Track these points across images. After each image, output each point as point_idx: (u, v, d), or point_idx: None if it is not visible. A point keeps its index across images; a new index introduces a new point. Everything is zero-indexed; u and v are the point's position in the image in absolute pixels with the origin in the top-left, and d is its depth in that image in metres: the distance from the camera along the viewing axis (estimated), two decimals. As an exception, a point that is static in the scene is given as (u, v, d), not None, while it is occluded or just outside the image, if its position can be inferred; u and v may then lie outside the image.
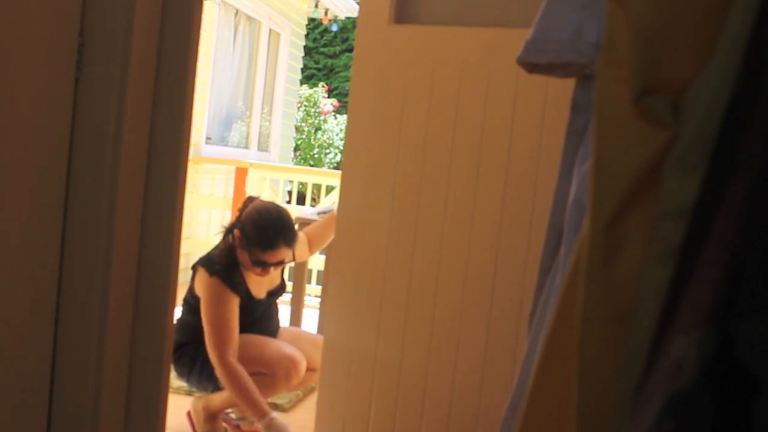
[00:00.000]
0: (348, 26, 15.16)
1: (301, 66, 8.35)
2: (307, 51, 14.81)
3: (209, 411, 2.71)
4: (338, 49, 16.19)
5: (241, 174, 5.53)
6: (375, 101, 2.28)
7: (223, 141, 6.61)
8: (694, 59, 0.73)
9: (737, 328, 0.62)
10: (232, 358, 2.53)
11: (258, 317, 2.77)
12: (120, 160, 1.37)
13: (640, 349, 0.72)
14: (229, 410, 2.81)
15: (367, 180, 2.29)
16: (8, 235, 1.27)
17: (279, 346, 2.67)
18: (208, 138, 6.21)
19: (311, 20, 10.47)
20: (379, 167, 2.28)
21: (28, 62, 1.26)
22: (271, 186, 5.97)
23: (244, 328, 2.67)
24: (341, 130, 11.80)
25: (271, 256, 2.61)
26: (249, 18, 6.73)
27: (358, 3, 4.06)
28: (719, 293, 0.64)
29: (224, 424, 2.80)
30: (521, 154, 2.16)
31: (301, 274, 3.76)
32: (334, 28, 12.85)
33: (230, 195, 5.83)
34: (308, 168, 9.72)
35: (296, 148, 11.35)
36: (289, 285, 4.11)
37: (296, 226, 2.78)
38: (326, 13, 8.56)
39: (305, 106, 11.66)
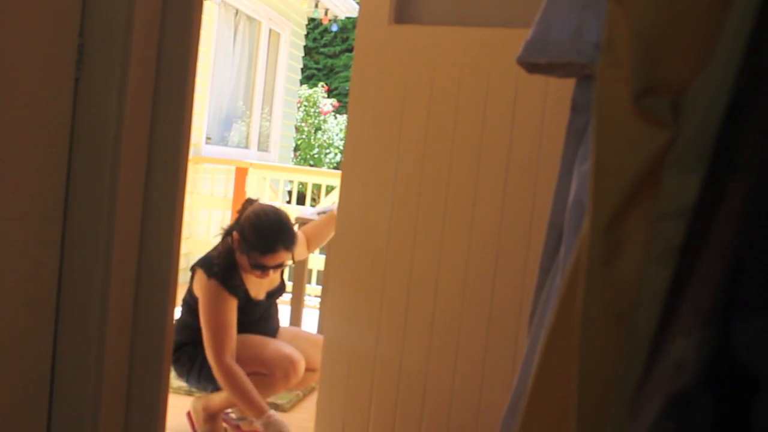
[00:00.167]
0: (348, 26, 15.17)
1: (301, 66, 8.35)
2: (307, 51, 14.81)
3: (209, 411, 2.71)
4: (338, 49, 16.20)
5: (241, 174, 5.53)
6: (375, 101, 2.28)
7: (223, 141, 6.61)
8: (694, 59, 0.73)
9: (737, 328, 0.62)
10: (229, 360, 2.53)
11: (257, 318, 2.77)
12: (120, 160, 1.37)
13: (640, 349, 0.72)
14: (229, 410, 2.81)
15: (367, 180, 2.29)
16: (8, 235, 1.27)
17: (278, 346, 2.67)
18: (208, 138, 6.21)
19: (311, 20, 10.47)
20: (379, 167, 2.28)
21: (28, 62, 1.26)
22: (271, 186, 5.97)
23: (244, 328, 2.67)
24: (341, 130, 11.80)
25: (270, 260, 2.61)
26: (249, 18, 6.73)
27: (358, 3, 4.06)
28: (719, 293, 0.64)
29: (224, 424, 2.80)
30: (521, 154, 2.16)
31: (301, 274, 3.76)
32: (334, 28, 12.86)
33: (230, 195, 5.83)
34: (308, 168, 9.73)
35: (296, 148, 11.35)
36: (289, 285, 4.11)
37: (295, 227, 2.78)
38: (326, 13, 8.56)
39: (305, 106, 11.66)
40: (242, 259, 2.63)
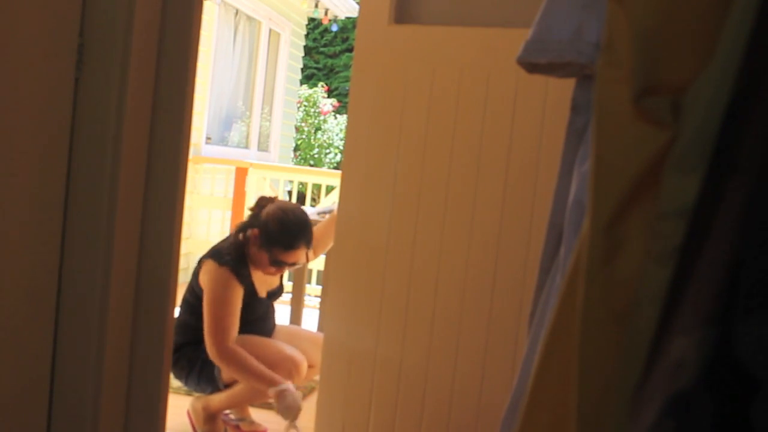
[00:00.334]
0: (348, 26, 15.17)
1: (301, 66, 8.35)
2: (307, 51, 14.81)
3: (209, 411, 2.71)
4: (338, 49, 16.20)
5: (241, 174, 5.53)
6: (375, 101, 2.28)
7: (223, 141, 6.61)
8: (694, 59, 0.73)
9: (737, 328, 0.62)
10: (231, 344, 2.53)
11: (257, 317, 2.77)
12: (120, 160, 1.37)
13: (640, 349, 0.72)
14: (228, 411, 2.81)
15: (367, 180, 2.29)
16: (8, 234, 1.27)
17: (280, 347, 2.68)
18: (208, 138, 6.21)
19: (311, 20, 10.47)
20: (379, 167, 2.28)
21: (28, 62, 1.26)
22: (271, 186, 5.97)
23: (243, 326, 2.67)
24: (341, 130, 11.80)
25: (291, 256, 2.65)
26: (249, 18, 6.73)
27: (358, 3, 4.06)
28: (719, 293, 0.64)
29: (224, 425, 2.80)
30: (521, 154, 2.16)
31: (301, 274, 3.76)
32: (334, 28, 12.86)
33: (230, 195, 5.83)
34: (308, 168, 9.73)
35: (296, 148, 11.35)
36: (289, 285, 4.11)
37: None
38: (326, 13, 8.56)
39: (305, 106, 11.66)
40: (260, 255, 2.64)
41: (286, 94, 7.74)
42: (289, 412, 2.48)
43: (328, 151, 11.84)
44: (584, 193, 1.13)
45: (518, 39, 1.26)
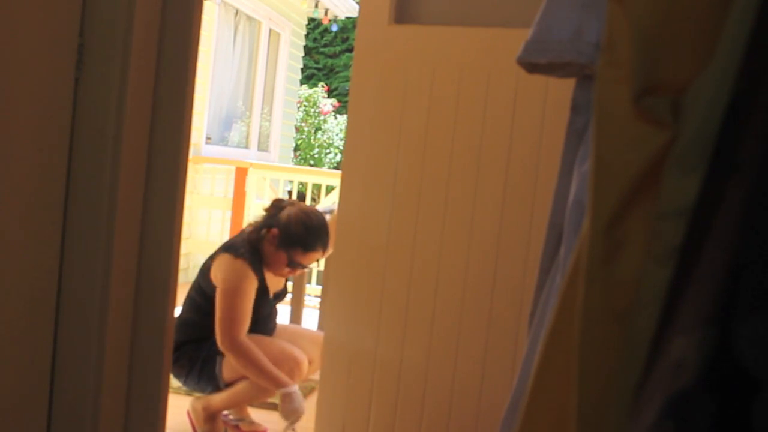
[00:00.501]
0: (348, 26, 15.16)
1: (301, 66, 8.35)
2: (307, 51, 14.81)
3: (208, 411, 2.71)
4: (338, 49, 16.19)
5: (241, 174, 5.53)
6: (375, 101, 2.28)
7: (223, 141, 6.61)
8: (694, 59, 0.73)
9: (737, 328, 0.62)
10: (244, 337, 2.54)
11: (263, 316, 2.78)
12: (120, 160, 1.37)
13: (640, 349, 0.72)
14: (227, 411, 2.81)
15: (367, 180, 2.29)
16: (8, 234, 1.27)
17: (282, 346, 2.68)
18: (208, 138, 6.21)
19: (311, 20, 10.47)
20: (379, 167, 2.28)
21: (28, 62, 1.26)
22: (271, 186, 5.97)
23: (257, 315, 2.68)
24: (341, 130, 11.80)
25: (308, 258, 2.69)
26: (249, 18, 6.73)
27: (358, 3, 4.06)
28: (719, 293, 0.64)
29: (224, 425, 2.80)
30: (521, 154, 2.16)
31: (301, 274, 3.76)
32: (334, 28, 12.86)
33: (230, 195, 5.83)
34: (308, 168, 9.73)
35: (296, 148, 11.35)
36: (289, 285, 4.11)
37: None
38: (326, 13, 8.56)
39: (305, 106, 11.66)
40: (278, 255, 2.66)
41: (286, 94, 7.74)
42: (292, 414, 2.49)
43: (328, 151, 11.84)
44: (584, 193, 1.13)
45: (518, 39, 1.26)
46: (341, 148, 11.25)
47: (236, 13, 6.48)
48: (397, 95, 2.25)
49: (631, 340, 0.74)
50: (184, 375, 2.69)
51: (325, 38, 16.26)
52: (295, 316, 3.85)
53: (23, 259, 1.31)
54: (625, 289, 0.75)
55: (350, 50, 15.21)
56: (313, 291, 5.36)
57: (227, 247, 2.68)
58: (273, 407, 3.00)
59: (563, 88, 1.41)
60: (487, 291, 2.20)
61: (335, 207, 2.99)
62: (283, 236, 2.65)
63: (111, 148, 1.36)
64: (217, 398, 2.68)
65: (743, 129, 0.68)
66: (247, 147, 7.02)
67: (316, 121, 11.91)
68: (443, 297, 2.23)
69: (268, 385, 2.54)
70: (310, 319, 4.31)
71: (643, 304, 0.73)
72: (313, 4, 8.14)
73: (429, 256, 2.24)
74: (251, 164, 5.70)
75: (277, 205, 2.77)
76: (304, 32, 8.35)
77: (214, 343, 2.65)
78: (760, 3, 0.68)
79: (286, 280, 2.93)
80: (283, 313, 3.05)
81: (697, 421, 0.62)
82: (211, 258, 2.69)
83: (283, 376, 2.53)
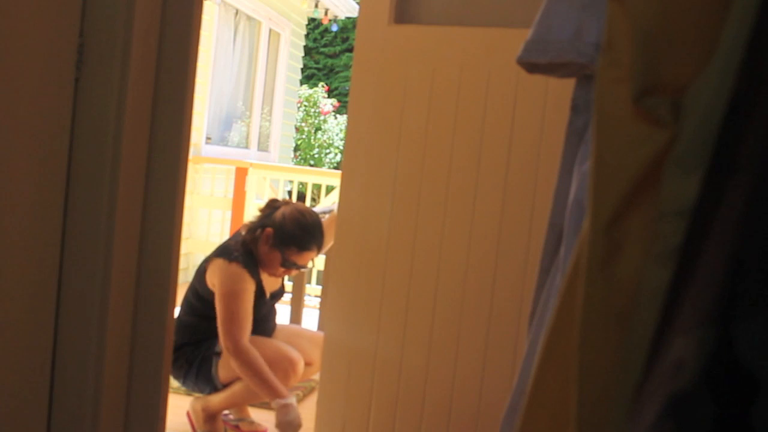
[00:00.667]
0: (348, 26, 15.17)
1: (301, 66, 8.35)
2: (307, 51, 14.81)
3: (208, 412, 2.71)
4: (338, 49, 16.20)
5: (241, 174, 5.53)
6: (375, 101, 2.28)
7: (223, 141, 6.61)
8: (694, 59, 0.73)
9: (737, 328, 0.62)
10: (247, 343, 2.54)
11: (260, 317, 2.78)
12: (120, 160, 1.37)
13: (640, 349, 0.72)
14: (227, 411, 2.81)
15: (367, 180, 2.29)
16: (8, 234, 1.27)
17: (277, 346, 2.68)
18: (208, 138, 6.21)
19: (311, 20, 10.47)
20: (379, 167, 2.28)
21: (28, 62, 1.26)
22: (271, 186, 5.97)
23: (254, 317, 2.68)
24: (341, 130, 11.80)
25: (303, 258, 2.68)
26: (249, 18, 6.73)
27: (358, 3, 4.06)
28: (719, 293, 0.64)
29: (224, 425, 2.80)
30: (521, 154, 2.16)
31: (301, 274, 3.76)
32: (334, 28, 12.86)
33: (230, 195, 5.83)
34: (308, 168, 9.72)
35: (296, 148, 11.35)
36: (289, 285, 4.12)
37: None
38: (326, 13, 8.56)
39: (305, 106, 11.66)
40: (272, 255, 2.65)
41: (286, 94, 7.74)
42: (290, 427, 2.48)
43: (328, 151, 11.84)
44: (584, 193, 1.13)
45: (518, 39, 1.26)
46: (341, 148, 11.26)
47: (236, 13, 6.48)
48: (397, 95, 2.25)
49: (631, 339, 0.73)
50: (182, 376, 2.69)
51: (325, 38, 16.26)
52: (295, 316, 3.85)
53: (23, 259, 1.31)
54: (625, 289, 0.75)
55: (350, 50, 15.22)
56: (313, 291, 5.36)
57: (221, 252, 2.67)
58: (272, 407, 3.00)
59: (563, 88, 1.41)
60: (487, 291, 2.20)
61: (335, 207, 2.99)
62: (278, 235, 2.64)
63: (111, 148, 1.36)
64: (216, 399, 2.68)
65: (743, 129, 0.68)
66: (247, 147, 7.02)
67: (316, 121, 11.91)
68: (443, 297, 2.23)
69: (265, 395, 2.54)
70: (310, 319, 4.31)
71: (643, 304, 0.73)
72: (313, 4, 8.14)
73: (429, 255, 2.24)
74: (251, 164, 5.71)
75: (271, 205, 2.77)
76: (304, 32, 8.35)
77: (211, 344, 2.65)
78: (760, 3, 0.68)
79: (283, 280, 2.93)
80: (283, 313, 3.05)
81: (697, 421, 0.62)
82: (206, 262, 2.69)
83: (281, 387, 2.52)
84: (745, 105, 0.69)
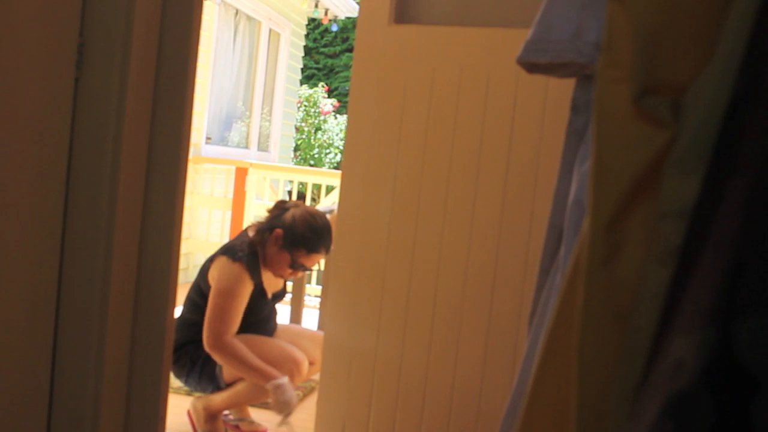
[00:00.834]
0: (348, 26, 15.17)
1: (301, 66, 8.35)
2: (307, 51, 14.81)
3: (209, 411, 2.71)
4: (338, 49, 16.20)
5: (241, 174, 5.53)
6: (375, 101, 2.28)
7: (223, 141, 6.61)
8: (694, 59, 0.73)
9: (737, 328, 0.62)
10: (229, 337, 2.54)
11: (261, 317, 2.78)
12: (120, 160, 1.37)
13: (640, 349, 0.72)
14: (227, 411, 2.81)
15: (367, 180, 2.29)
16: (8, 235, 1.27)
17: (282, 346, 2.69)
18: (208, 138, 6.21)
19: (311, 20, 10.47)
20: (379, 167, 2.28)
21: (28, 62, 1.26)
22: (271, 186, 5.97)
23: (247, 327, 2.67)
24: (341, 130, 11.80)
25: (312, 260, 2.69)
26: (249, 18, 6.73)
27: (358, 3, 4.06)
28: (719, 293, 0.64)
29: (224, 425, 2.80)
30: (521, 154, 2.16)
31: (301, 275, 3.76)
32: (334, 28, 12.86)
33: (230, 195, 5.83)
34: (308, 168, 9.73)
35: (296, 148, 11.35)
36: (289, 285, 4.11)
37: None
38: (326, 13, 8.56)
39: (305, 106, 11.66)
40: (280, 256, 2.66)
41: (286, 94, 7.74)
42: (285, 407, 2.49)
43: (328, 151, 11.84)
44: (584, 193, 1.13)
45: (518, 39, 1.26)
46: (341, 148, 11.26)
47: (236, 13, 6.48)
48: (397, 95, 2.25)
49: (631, 340, 0.74)
50: (184, 375, 2.69)
51: (325, 38, 16.26)
52: (295, 316, 3.85)
53: (23, 259, 1.31)
54: (625, 289, 0.75)
55: (350, 50, 15.22)
56: (313, 291, 5.36)
57: (226, 250, 2.68)
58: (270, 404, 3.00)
59: (563, 88, 1.41)
60: (487, 291, 2.20)
61: (335, 207, 2.99)
62: (288, 237, 2.65)
63: (111, 148, 1.36)
64: (218, 398, 2.68)
65: (743, 129, 0.68)
66: (247, 147, 7.02)
67: (316, 121, 11.91)
68: (443, 297, 2.23)
69: (257, 380, 2.54)
70: (310, 319, 4.31)
71: (643, 304, 0.73)
72: (313, 4, 8.14)
73: (429, 255, 2.24)
74: (251, 164, 5.71)
75: (280, 206, 2.77)
76: (304, 32, 8.35)
77: (215, 343, 2.65)
78: (760, 3, 0.68)
79: (285, 281, 2.93)
80: (283, 313, 3.05)
81: (697, 421, 0.62)
82: (210, 260, 2.70)
83: (270, 369, 2.53)
84: (745, 105, 0.69)
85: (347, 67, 15.55)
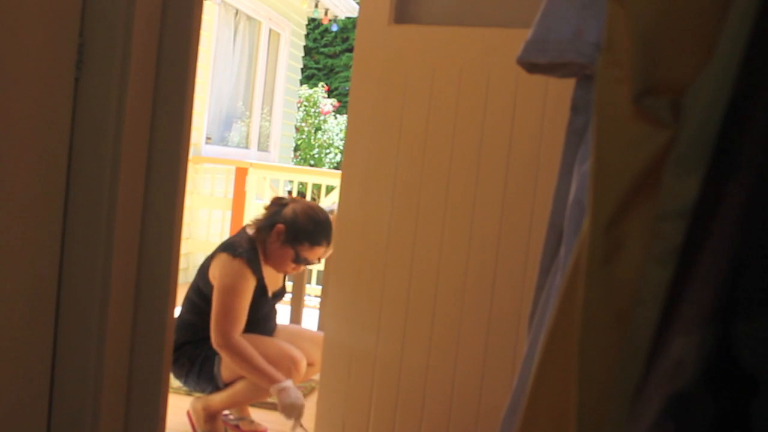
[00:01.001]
0: (348, 26, 15.17)
1: (301, 66, 8.35)
2: (307, 51, 14.81)
3: (209, 411, 2.71)
4: (338, 49, 16.20)
5: (241, 174, 5.53)
6: (375, 101, 2.28)
7: (223, 141, 6.61)
8: (694, 59, 0.73)
9: (737, 328, 0.62)
10: (238, 337, 2.54)
11: (261, 316, 2.78)
12: (120, 160, 1.37)
13: (640, 349, 0.73)
14: (227, 411, 2.81)
15: (367, 180, 2.29)
16: (8, 234, 1.27)
17: (279, 345, 2.68)
18: (208, 138, 6.21)
19: (311, 20, 10.47)
20: (379, 167, 2.28)
21: (28, 62, 1.26)
22: (271, 186, 5.97)
23: (247, 325, 2.67)
24: (341, 130, 11.80)
25: (315, 253, 2.71)
26: (249, 18, 6.73)
27: (358, 3, 4.06)
28: (719, 293, 0.64)
29: (224, 425, 2.80)
30: (521, 154, 2.16)
31: (301, 274, 3.76)
32: (334, 28, 12.86)
33: (230, 195, 5.83)
34: (308, 168, 9.72)
35: (296, 148, 11.35)
36: (289, 285, 4.11)
37: None
38: (326, 13, 8.56)
39: (305, 106, 11.66)
40: (283, 251, 2.67)
41: (286, 94, 7.74)
42: (292, 410, 2.48)
43: (328, 151, 11.84)
44: (584, 193, 1.13)
45: (518, 39, 1.26)
46: (341, 148, 11.26)
47: (236, 13, 6.48)
48: (397, 95, 2.25)
49: (631, 340, 0.74)
50: (183, 375, 2.69)
51: (325, 38, 16.26)
52: (295, 316, 3.85)
53: (23, 259, 1.31)
54: (625, 289, 0.75)
55: (350, 50, 15.22)
56: (313, 291, 5.36)
57: (225, 247, 2.68)
58: (273, 407, 3.00)
59: (563, 88, 1.41)
60: (487, 291, 2.20)
61: (335, 207, 2.99)
62: (290, 232, 2.65)
63: (111, 148, 1.36)
64: (217, 398, 2.68)
65: (743, 129, 0.68)
66: (247, 147, 7.02)
67: (316, 121, 11.91)
68: (443, 297, 2.23)
69: (261, 383, 2.54)
70: (310, 319, 4.31)
71: (643, 305, 0.73)
72: (313, 4, 8.14)
73: (429, 256, 2.24)
74: (251, 164, 5.71)
75: (277, 203, 2.77)
76: (304, 32, 8.35)
77: (213, 343, 2.65)
78: (760, 3, 0.68)
79: (284, 279, 2.93)
80: (283, 313, 3.05)
81: (697, 421, 0.62)
82: (210, 258, 2.69)
83: (275, 372, 2.52)
84: (745, 105, 0.69)
85: (347, 67, 15.55)
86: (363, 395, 2.31)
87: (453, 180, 2.22)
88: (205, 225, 6.02)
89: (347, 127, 2.33)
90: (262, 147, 7.35)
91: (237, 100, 6.82)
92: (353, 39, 3.33)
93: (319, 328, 3.72)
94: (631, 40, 0.76)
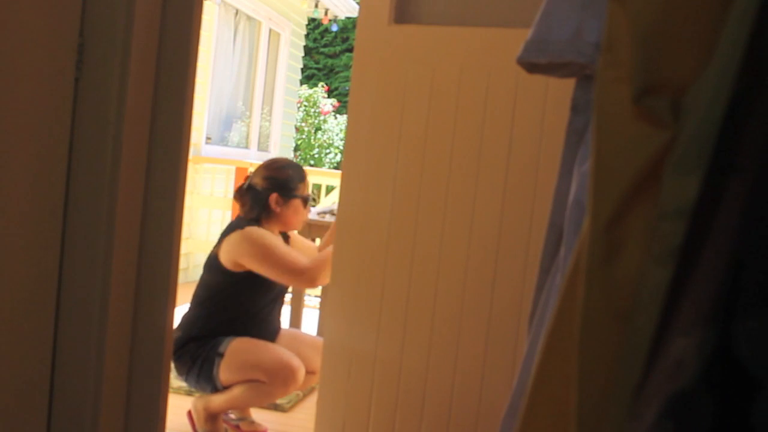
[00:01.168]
0: (348, 26, 15.17)
1: (301, 66, 8.35)
2: (307, 51, 14.81)
3: (210, 411, 2.71)
4: (338, 49, 16.20)
5: (241, 174, 5.53)
6: (375, 101, 2.28)
7: (223, 141, 6.61)
8: (694, 59, 0.73)
9: (737, 328, 0.62)
10: (307, 264, 2.64)
11: (263, 315, 2.77)
12: (120, 160, 1.37)
13: (640, 349, 0.73)
14: (228, 411, 2.81)
15: (367, 180, 2.29)
16: (8, 234, 1.27)
17: (278, 353, 2.65)
18: (208, 138, 6.21)
19: (311, 20, 10.47)
20: (379, 167, 2.28)
21: (28, 62, 1.26)
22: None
23: (247, 323, 2.68)
24: (341, 130, 11.80)
25: (307, 184, 2.85)
26: (249, 18, 6.73)
27: (358, 3, 4.06)
28: (719, 293, 0.64)
29: (224, 425, 2.80)
30: (521, 154, 2.16)
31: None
32: (334, 28, 12.86)
33: (230, 195, 5.83)
34: (308, 168, 9.72)
35: (296, 148, 11.35)
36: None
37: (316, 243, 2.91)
38: (326, 13, 8.56)
39: (305, 106, 11.66)
40: (292, 207, 2.77)
41: (286, 94, 7.74)
42: None
43: (328, 151, 11.84)
44: (584, 193, 1.13)
45: (518, 39, 1.26)
46: (341, 148, 11.26)
47: (236, 13, 6.48)
48: (397, 95, 2.25)
49: (631, 340, 0.74)
50: (185, 372, 2.69)
51: (325, 38, 16.26)
52: (295, 316, 3.85)
53: (23, 259, 1.31)
54: (625, 289, 0.75)
55: (350, 50, 15.22)
56: (313, 291, 5.36)
57: (229, 230, 2.71)
58: (273, 407, 3.00)
59: (563, 88, 1.41)
60: (487, 291, 2.20)
61: (335, 207, 2.99)
62: (281, 190, 2.74)
63: (111, 148, 1.36)
64: (218, 399, 2.68)
65: (743, 129, 0.68)
66: (247, 147, 7.02)
67: (316, 121, 11.90)
68: (443, 297, 2.23)
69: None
70: (310, 320, 4.31)
71: (643, 304, 0.73)
72: (313, 4, 8.14)
73: (429, 255, 2.24)
74: (251, 164, 5.70)
75: (242, 189, 2.81)
76: (304, 32, 8.35)
77: (215, 344, 2.65)
78: (760, 3, 0.68)
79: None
80: (283, 313, 3.04)
81: (697, 421, 0.62)
82: (217, 246, 2.71)
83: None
84: (744, 105, 0.69)
85: (347, 67, 15.55)
86: (363, 395, 2.31)
87: (453, 180, 2.22)
88: (205, 225, 6.03)
89: (347, 127, 2.33)
90: (262, 147, 7.35)
91: (237, 100, 6.82)
92: (353, 39, 3.33)
93: (319, 328, 3.72)
94: (631, 40, 0.76)
